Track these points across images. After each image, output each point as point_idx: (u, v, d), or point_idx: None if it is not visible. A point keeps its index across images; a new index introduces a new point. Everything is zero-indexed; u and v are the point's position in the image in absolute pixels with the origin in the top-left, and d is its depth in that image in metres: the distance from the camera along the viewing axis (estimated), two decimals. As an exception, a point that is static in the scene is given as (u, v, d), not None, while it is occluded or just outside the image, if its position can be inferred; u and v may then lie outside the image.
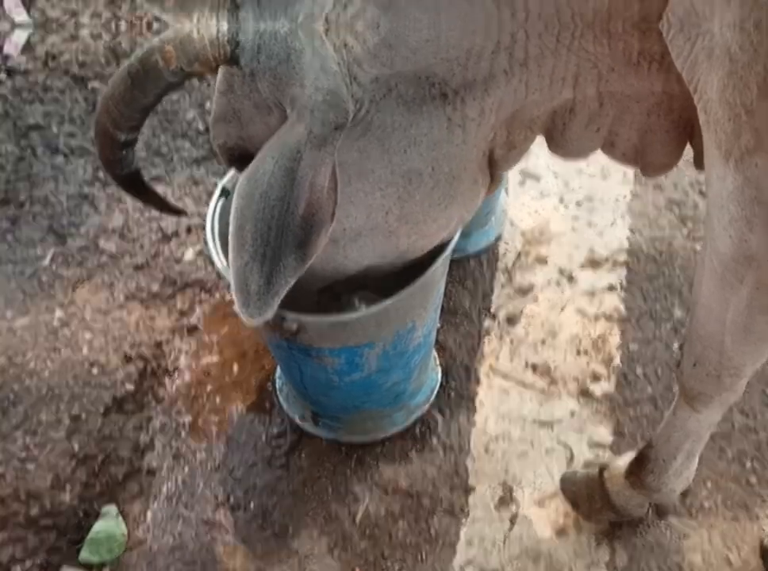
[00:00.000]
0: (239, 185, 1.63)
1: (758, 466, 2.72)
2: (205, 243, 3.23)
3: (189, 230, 3.39)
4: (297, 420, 2.83)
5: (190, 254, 3.31)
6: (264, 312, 1.64)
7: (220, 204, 2.38)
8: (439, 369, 2.96)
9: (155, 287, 3.22)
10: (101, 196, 3.47)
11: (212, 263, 3.24)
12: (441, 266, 2.25)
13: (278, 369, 2.94)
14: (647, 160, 1.89)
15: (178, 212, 2.41)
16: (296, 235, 1.63)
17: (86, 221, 3.40)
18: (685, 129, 1.79)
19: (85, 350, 2.99)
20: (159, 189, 3.46)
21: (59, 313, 3.09)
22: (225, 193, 2.39)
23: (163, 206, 2.28)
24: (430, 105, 1.72)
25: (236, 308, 1.63)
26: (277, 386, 2.93)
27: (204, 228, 3.32)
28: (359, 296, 2.29)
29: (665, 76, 1.66)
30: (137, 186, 2.07)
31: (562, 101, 1.77)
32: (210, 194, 3.43)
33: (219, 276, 3.23)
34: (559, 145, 1.90)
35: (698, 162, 1.77)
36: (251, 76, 1.69)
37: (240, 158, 1.88)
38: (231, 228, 1.63)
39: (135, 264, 3.27)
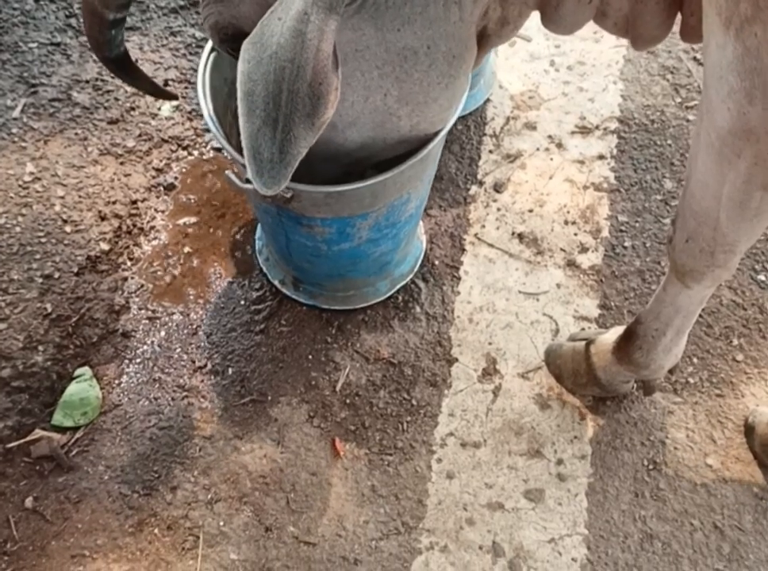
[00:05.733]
0: (243, 51, 1.54)
1: (745, 343, 2.71)
2: (185, 98, 3.15)
3: (166, 83, 3.25)
4: (277, 284, 2.76)
5: (167, 110, 3.18)
6: (278, 182, 1.58)
7: (211, 58, 2.25)
8: (424, 238, 2.89)
9: (130, 142, 3.09)
10: (74, 44, 3.31)
11: (190, 119, 3.14)
12: (440, 140, 2.20)
13: (258, 231, 2.86)
14: (638, 32, 1.87)
15: (170, 96, 2.38)
16: (305, 103, 1.55)
17: (58, 71, 3.25)
18: (675, 0, 1.77)
19: (57, 207, 2.88)
20: (135, 39, 3.33)
21: (30, 167, 2.97)
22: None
23: (154, 90, 2.30)
24: None
25: (250, 176, 1.57)
26: (257, 248, 2.85)
27: (181, 81, 3.23)
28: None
29: None
30: (127, 69, 2.08)
31: None
32: (188, 45, 3.32)
33: (197, 133, 3.13)
34: (553, 20, 1.90)
35: (685, 34, 1.81)
36: None
37: (234, 37, 1.83)
38: (239, 94, 1.55)
39: (109, 118, 3.14)
